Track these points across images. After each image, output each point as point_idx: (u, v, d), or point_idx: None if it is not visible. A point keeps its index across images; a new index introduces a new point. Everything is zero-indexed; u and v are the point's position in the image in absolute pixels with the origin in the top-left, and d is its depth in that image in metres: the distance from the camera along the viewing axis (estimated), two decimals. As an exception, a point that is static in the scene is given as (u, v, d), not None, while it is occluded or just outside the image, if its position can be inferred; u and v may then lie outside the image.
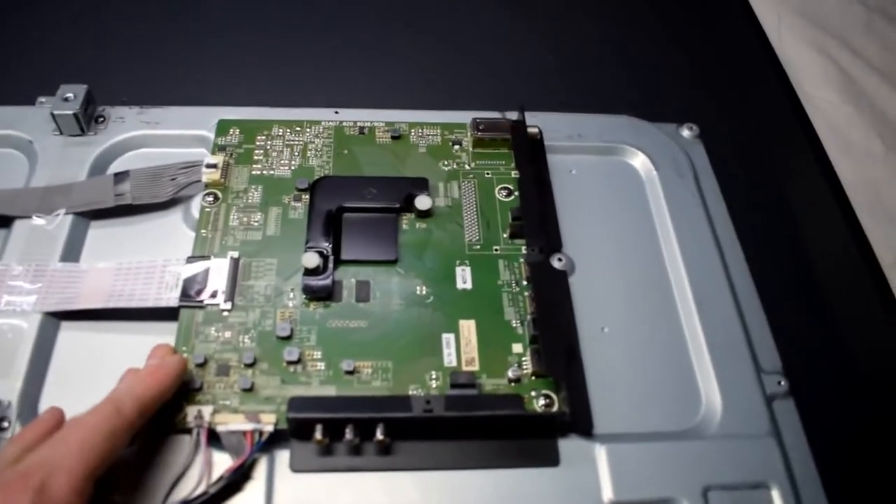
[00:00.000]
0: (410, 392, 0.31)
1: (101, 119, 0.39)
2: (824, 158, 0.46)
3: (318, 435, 0.29)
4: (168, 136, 0.39)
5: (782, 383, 0.34)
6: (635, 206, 0.40)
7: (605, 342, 0.35)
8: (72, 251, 0.35)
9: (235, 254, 0.34)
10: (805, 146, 0.47)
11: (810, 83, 0.49)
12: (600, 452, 0.31)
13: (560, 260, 0.36)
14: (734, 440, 0.32)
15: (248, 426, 0.29)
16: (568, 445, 0.31)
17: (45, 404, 0.31)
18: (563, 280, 0.35)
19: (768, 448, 0.32)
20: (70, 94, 0.37)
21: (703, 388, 0.34)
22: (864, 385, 0.38)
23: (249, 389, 0.30)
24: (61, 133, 0.38)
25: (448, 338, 0.32)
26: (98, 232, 0.36)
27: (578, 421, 0.32)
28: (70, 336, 0.33)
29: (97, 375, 0.31)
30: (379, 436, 0.29)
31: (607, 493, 0.30)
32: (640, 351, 0.35)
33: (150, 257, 0.34)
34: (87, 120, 0.38)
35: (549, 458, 0.31)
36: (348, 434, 0.29)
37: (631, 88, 0.48)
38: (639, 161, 0.41)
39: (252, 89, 0.41)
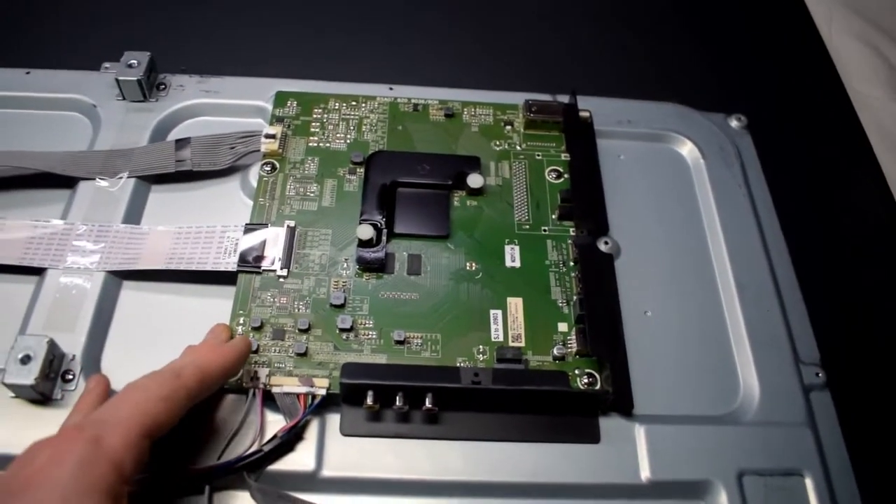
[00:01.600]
0: (458, 364, 0.32)
1: (163, 86, 0.40)
2: (870, 154, 0.46)
3: (369, 400, 0.30)
4: (227, 105, 0.40)
5: (820, 375, 0.35)
6: (681, 193, 0.40)
7: (647, 325, 0.35)
8: (133, 214, 0.36)
9: (292, 223, 0.35)
10: (852, 142, 0.47)
11: (859, 79, 0.49)
12: (639, 432, 0.32)
13: (606, 243, 0.37)
14: (770, 427, 0.33)
15: (302, 389, 0.31)
16: (608, 424, 0.32)
17: (107, 358, 0.32)
18: (609, 263, 0.36)
19: (804, 437, 0.33)
20: (134, 61, 0.38)
21: (741, 374, 0.35)
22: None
23: (303, 354, 0.31)
24: (124, 98, 0.39)
25: (496, 314, 0.33)
26: (159, 196, 0.37)
27: (619, 400, 0.32)
28: (131, 295, 0.34)
29: (156, 333, 0.33)
30: (428, 404, 0.30)
31: (645, 471, 0.31)
32: (682, 335, 0.35)
33: (209, 223, 0.35)
34: (150, 87, 0.39)
35: (591, 435, 0.32)
36: (398, 401, 0.30)
37: (682, 77, 0.48)
38: (686, 149, 0.41)
39: (309, 63, 0.42)
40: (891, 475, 0.34)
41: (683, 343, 0.35)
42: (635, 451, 0.32)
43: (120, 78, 0.38)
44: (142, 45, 0.39)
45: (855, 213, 0.44)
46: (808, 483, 0.32)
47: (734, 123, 0.43)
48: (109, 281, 0.34)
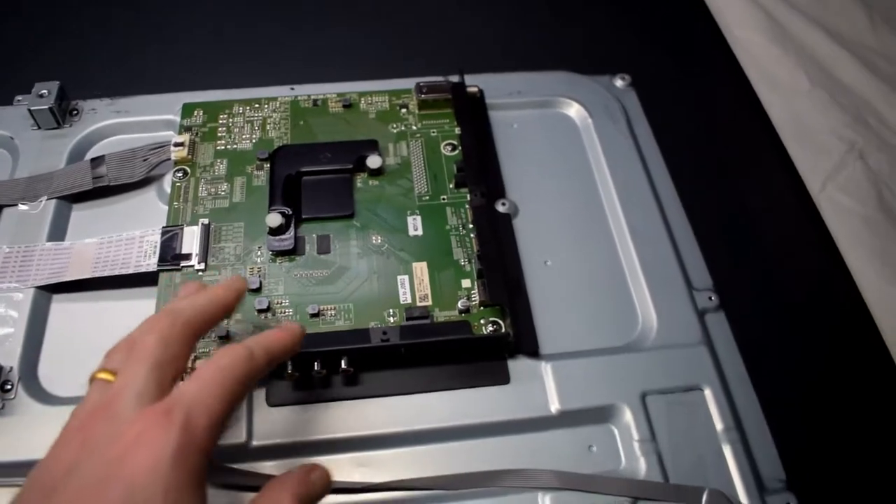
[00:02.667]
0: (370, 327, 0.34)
1: (76, 112, 0.42)
2: (753, 97, 0.49)
3: (289, 369, 0.32)
4: (138, 122, 0.42)
5: (713, 298, 0.38)
6: (573, 152, 0.43)
7: (548, 274, 0.38)
8: (57, 232, 0.38)
9: (206, 220, 0.37)
10: (735, 87, 0.50)
11: (739, 26, 0.53)
12: (546, 369, 0.35)
13: (504, 204, 0.39)
14: (668, 350, 0.36)
15: (226, 368, 0.33)
16: (517, 365, 0.35)
17: (43, 366, 0.34)
18: (506, 222, 0.39)
19: (700, 355, 0.36)
20: (44, 91, 0.40)
21: (639, 307, 0.37)
22: (797, 308, 0.41)
23: (225, 337, 0.34)
24: (39, 127, 0.41)
25: (403, 279, 0.36)
26: (80, 213, 0.39)
27: (525, 342, 0.35)
28: (61, 307, 0.36)
29: (88, 339, 0.35)
30: (343, 366, 0.33)
31: (554, 404, 0.34)
32: (581, 279, 0.38)
33: (130, 232, 0.37)
34: (62, 113, 0.41)
35: (500, 377, 0.34)
36: (316, 367, 0.32)
37: (566, 46, 0.51)
38: (574, 111, 0.44)
39: (213, 73, 0.44)
40: (785, 382, 0.37)
41: (583, 286, 0.38)
42: (544, 386, 0.34)
43: (32, 108, 0.40)
44: (52, 76, 0.41)
45: (743, 152, 0.47)
46: (708, 395, 0.35)
47: (619, 83, 0.46)
48: (39, 296, 0.36)
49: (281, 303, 0.35)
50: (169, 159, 0.39)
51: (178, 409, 0.23)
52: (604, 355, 0.35)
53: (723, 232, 0.42)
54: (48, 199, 0.39)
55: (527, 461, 0.33)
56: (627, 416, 0.34)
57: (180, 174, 0.39)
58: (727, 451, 0.33)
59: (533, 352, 0.35)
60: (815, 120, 0.48)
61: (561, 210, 0.40)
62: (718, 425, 0.34)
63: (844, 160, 0.47)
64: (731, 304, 0.38)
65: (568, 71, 0.46)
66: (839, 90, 0.50)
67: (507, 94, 0.44)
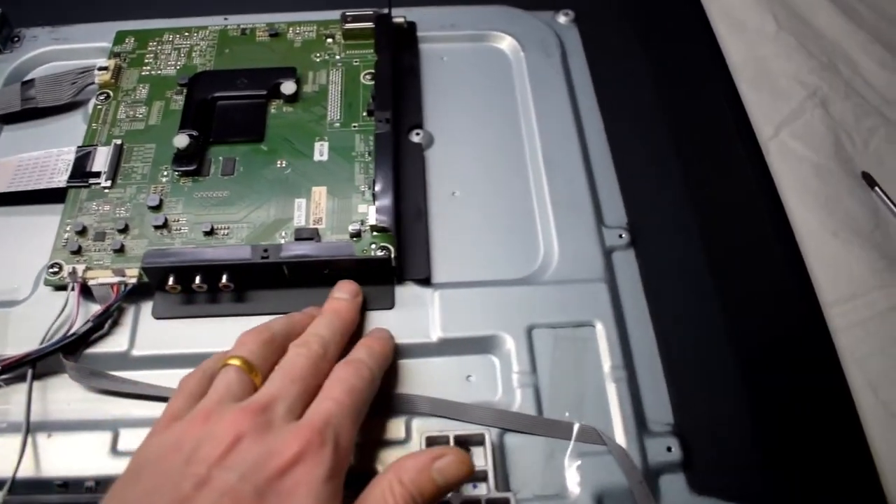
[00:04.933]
0: (261, 248, 0.34)
1: (17, 39, 0.43)
2: (711, 40, 0.47)
3: (170, 282, 0.33)
4: (75, 49, 0.43)
5: (623, 236, 0.36)
6: (500, 85, 0.42)
7: (454, 204, 0.37)
8: (-16, 151, 0.40)
9: (118, 141, 0.38)
10: (691, 28, 0.47)
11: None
12: (434, 297, 0.34)
13: (418, 134, 0.39)
14: (565, 285, 0.35)
15: (114, 279, 0.33)
16: (405, 292, 0.35)
17: (-44, 274, 0.36)
18: (417, 151, 0.38)
19: (597, 292, 0.34)
20: (-15, 17, 0.42)
21: (542, 241, 0.36)
22: (725, 253, 0.39)
23: (119, 250, 0.34)
24: (-20, 52, 0.43)
25: (300, 202, 0.36)
26: (10, 134, 0.41)
27: (415, 269, 0.35)
28: (-20, 219, 0.38)
29: (3, 251, 0.36)
30: (224, 281, 0.33)
31: (436, 331, 0.33)
32: (487, 211, 0.37)
33: (48, 150, 0.38)
34: (3, 40, 0.43)
35: (385, 302, 0.34)
36: (197, 280, 0.33)
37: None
38: (507, 44, 0.43)
39: (156, 3, 0.45)
40: (698, 329, 0.35)
41: (488, 218, 0.37)
42: (428, 314, 0.34)
43: (-28, 32, 0.42)
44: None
45: (693, 91, 0.45)
46: (599, 331, 0.33)
47: (562, 19, 0.44)
48: (-41, 210, 0.37)
49: (178, 220, 0.35)
50: (93, 83, 0.40)
51: (329, 430, 0.25)
52: (497, 286, 0.35)
53: (654, 173, 0.40)
54: (-21, 120, 0.40)
55: (402, 387, 0.32)
56: (510, 347, 0.33)
57: (102, 97, 0.40)
58: (611, 390, 0.32)
59: (423, 279, 0.35)
60: (777, 64, 0.46)
61: (478, 143, 0.39)
62: (605, 363, 0.33)
63: (803, 106, 0.44)
64: (652, 246, 0.37)
65: (509, 6, 0.44)
66: (810, 35, 0.47)
67: (440, 27, 0.43)
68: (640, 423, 0.31)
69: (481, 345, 0.33)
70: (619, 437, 0.31)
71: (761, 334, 0.35)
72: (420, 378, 0.33)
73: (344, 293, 0.33)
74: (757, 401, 0.33)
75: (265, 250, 0.33)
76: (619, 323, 0.34)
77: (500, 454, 0.30)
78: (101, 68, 0.40)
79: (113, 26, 0.43)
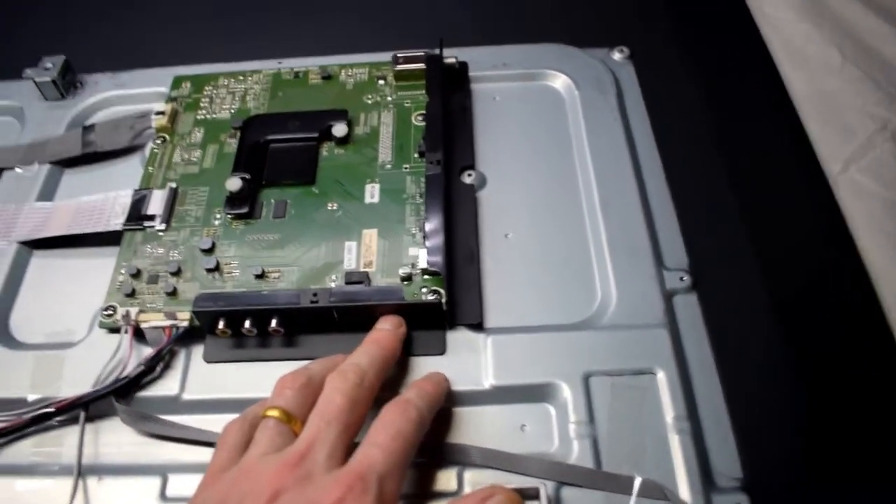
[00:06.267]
0: (311, 291, 0.34)
1: (80, 84, 0.45)
2: (774, 76, 0.45)
3: (220, 326, 0.33)
4: (135, 94, 0.44)
5: (685, 279, 0.35)
6: (554, 125, 0.41)
7: (507, 246, 0.36)
8: (46, 194, 0.40)
9: (174, 184, 0.38)
10: (753, 64, 0.46)
11: (769, 3, 0.49)
12: (487, 342, 0.33)
13: (470, 175, 0.38)
14: (624, 331, 0.33)
15: (166, 322, 0.33)
16: (456, 337, 0.34)
17: (15, 316, 0.37)
18: (469, 193, 0.38)
19: (658, 337, 0.33)
20: (49, 64, 0.43)
21: (599, 284, 0.35)
22: (793, 298, 0.37)
23: (172, 293, 0.34)
24: (45, 98, 0.44)
25: (350, 245, 0.35)
26: (71, 178, 0.41)
27: (467, 313, 0.34)
28: (40, 262, 0.38)
29: (60, 293, 0.37)
30: (273, 325, 0.32)
31: (489, 378, 0.32)
32: (541, 254, 0.36)
33: (105, 193, 0.39)
34: (66, 86, 0.44)
35: (435, 347, 0.33)
36: (247, 325, 0.32)
37: (569, 18, 0.49)
38: (561, 83, 0.42)
39: (214, 48, 0.46)
40: (768, 378, 0.33)
41: (542, 261, 0.36)
42: (481, 360, 0.33)
43: (36, 80, 0.43)
44: (62, 49, 0.44)
45: (752, 132, 0.43)
46: (660, 379, 0.32)
47: (616, 56, 0.44)
48: (21, 251, 0.38)
49: (230, 264, 0.35)
50: (151, 128, 0.41)
51: (371, 477, 0.24)
52: (552, 332, 0.33)
53: (719, 214, 0.39)
54: (42, 164, 0.41)
55: (454, 436, 0.31)
56: (566, 395, 0.32)
57: (159, 141, 0.40)
58: (673, 442, 0.30)
59: (476, 324, 0.34)
60: (844, 98, 0.44)
61: (531, 183, 0.39)
62: (668, 413, 0.31)
63: (872, 140, 0.42)
64: (716, 289, 0.35)
65: (563, 44, 0.44)
66: (877, 66, 0.45)
67: (492, 66, 0.43)
68: (705, 478, 0.30)
69: (536, 393, 0.32)
70: (684, 493, 0.29)
71: (835, 383, 0.33)
72: (472, 427, 0.31)
73: (386, 324, 0.32)
74: (832, 455, 0.31)
75: (314, 294, 0.33)
76: (681, 370, 0.32)
77: (556, 510, 0.29)
78: (157, 112, 0.41)
79: (172, 71, 0.44)
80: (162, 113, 0.41)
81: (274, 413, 0.27)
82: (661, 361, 0.32)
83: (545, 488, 0.29)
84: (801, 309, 0.35)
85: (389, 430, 0.27)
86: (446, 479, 0.30)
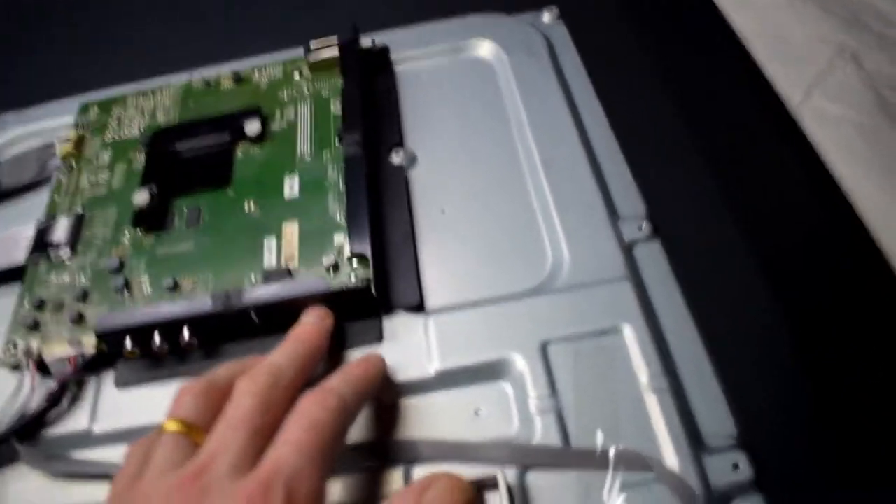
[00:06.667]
0: (228, 296, 0.30)
1: (-18, 124, 0.42)
2: (720, 17, 0.42)
3: (128, 346, 0.29)
4: (45, 128, 0.41)
5: (643, 227, 0.31)
6: (486, 94, 0.38)
7: (444, 222, 0.33)
8: (-48, 241, 0.37)
9: (79, 209, 0.35)
10: (698, 11, 0.43)
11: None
12: (429, 324, 0.29)
13: (398, 154, 0.35)
14: (581, 290, 0.29)
15: (72, 351, 0.30)
16: (394, 323, 0.30)
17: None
18: (398, 173, 0.34)
19: (621, 291, 0.29)
20: (-51, 110, 0.41)
21: (549, 246, 0.31)
22: (770, 233, 0.33)
23: (78, 321, 0.31)
24: (-49, 147, 0.41)
25: (270, 242, 0.32)
26: (-19, 222, 0.38)
27: (404, 296, 0.30)
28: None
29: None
30: (185, 338, 0.29)
31: (433, 363, 0.28)
32: (482, 225, 0.32)
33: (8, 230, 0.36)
34: (-28, 131, 0.41)
35: (371, 336, 0.29)
36: (156, 340, 0.29)
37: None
38: (488, 51, 0.39)
39: (116, 70, 0.43)
40: (738, 316, 0.29)
41: (483, 232, 0.32)
42: (423, 344, 0.29)
43: (-64, 128, 0.40)
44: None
45: (708, 76, 0.40)
46: (628, 336, 0.28)
47: (546, 17, 0.41)
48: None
49: (139, 281, 0.32)
50: (55, 156, 0.38)
51: (277, 482, 0.20)
52: (502, 303, 0.30)
53: (676, 159, 0.35)
54: (-54, 209, 0.38)
55: (400, 431, 0.27)
56: (521, 368, 0.27)
57: (66, 168, 0.37)
58: (651, 403, 0.26)
59: (415, 306, 0.30)
60: (797, 29, 0.41)
61: (466, 156, 0.35)
62: (642, 373, 0.27)
63: (833, 64, 0.39)
64: (683, 236, 0.31)
65: (486, 12, 0.41)
66: (828, -3, 0.42)
67: (415, 45, 0.40)
68: (694, 440, 0.25)
69: (488, 372, 0.28)
70: (670, 460, 0.25)
71: (824, 314, 0.29)
72: (420, 419, 0.27)
73: (309, 318, 0.28)
74: (832, 399, 0.27)
75: (227, 296, 0.29)
76: (651, 324, 0.28)
77: (521, 498, 0.24)
78: (60, 140, 0.38)
79: (81, 99, 0.41)
80: (66, 140, 0.38)
81: (172, 426, 0.23)
82: (627, 316, 0.28)
83: (503, 476, 0.24)
84: (779, 245, 0.32)
85: (303, 422, 0.23)
86: (393, 480, 0.26)
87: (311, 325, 0.28)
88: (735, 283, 0.31)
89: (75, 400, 0.30)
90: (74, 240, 0.34)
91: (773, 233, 0.32)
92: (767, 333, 0.29)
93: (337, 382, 0.24)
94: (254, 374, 0.24)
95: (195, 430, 0.23)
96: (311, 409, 0.23)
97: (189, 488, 0.21)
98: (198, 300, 0.29)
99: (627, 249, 0.31)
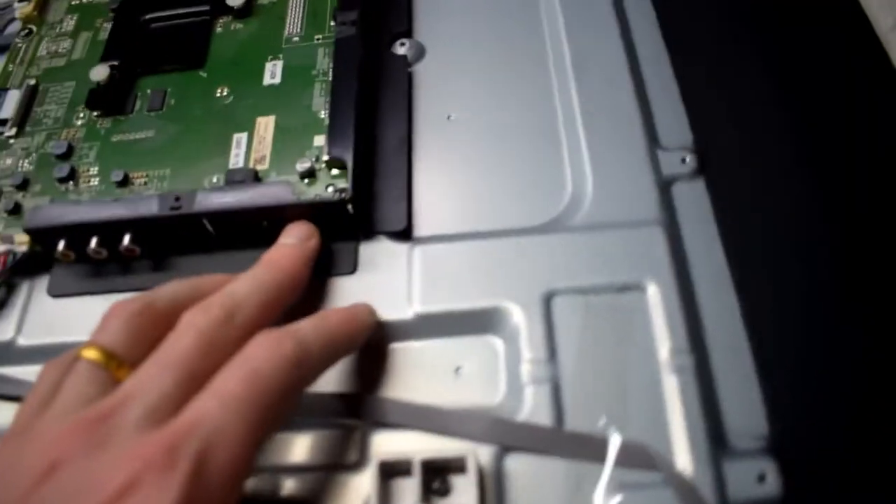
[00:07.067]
0: (183, 198, 0.26)
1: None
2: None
3: (60, 247, 0.25)
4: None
5: (687, 160, 0.25)
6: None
7: (450, 130, 0.27)
8: None
9: (32, 81, 0.30)
10: None
11: None
12: (414, 256, 0.24)
13: (403, 44, 0.29)
14: (603, 232, 0.24)
15: (2, 247, 0.26)
16: (373, 249, 0.25)
17: None
18: (399, 65, 0.28)
19: (650, 238, 0.23)
20: None
21: (570, 173, 0.25)
22: (835, 189, 0.26)
23: (13, 211, 0.27)
24: None
25: (240, 137, 0.27)
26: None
27: (388, 219, 0.25)
28: None
29: None
30: (126, 243, 0.24)
31: (413, 304, 0.23)
32: (493, 138, 0.27)
33: (-45, 99, 0.31)
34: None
35: (343, 264, 0.24)
36: (93, 244, 0.24)
37: None
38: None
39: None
40: (789, 288, 0.24)
41: (496, 146, 0.27)
42: (405, 279, 0.24)
43: None
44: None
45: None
46: (652, 296, 0.23)
47: None
48: None
49: (88, 171, 0.27)
50: (14, 19, 0.33)
51: (189, 444, 0.16)
52: (503, 238, 0.24)
53: (734, 81, 0.29)
54: None
55: (360, 384, 0.23)
56: (518, 322, 0.22)
57: (24, 33, 0.32)
58: (669, 385, 0.21)
59: (400, 232, 0.25)
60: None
61: (483, 51, 0.29)
62: (662, 344, 0.22)
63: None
64: (729, 173, 0.25)
65: None
66: None
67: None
68: (715, 438, 0.20)
69: (477, 321, 0.23)
70: (682, 459, 0.20)
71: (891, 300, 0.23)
72: (388, 371, 0.23)
73: (290, 237, 0.23)
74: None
75: (176, 199, 0.24)
76: (682, 285, 0.23)
77: (495, 485, 0.20)
78: (21, 0, 0.33)
79: (50, -48, 0.36)
80: (27, 0, 0.33)
81: (90, 354, 0.19)
82: (655, 272, 0.23)
83: (474, 457, 0.20)
84: (847, 196, 0.25)
85: (243, 369, 0.18)
86: (343, 447, 0.21)
87: (289, 247, 0.23)
88: (794, 250, 0.24)
89: (2, 306, 0.26)
90: (23, 117, 0.29)
91: (853, 192, 0.26)
92: (822, 317, 0.23)
93: (306, 327, 0.20)
94: (207, 305, 0.20)
95: (117, 363, 0.19)
96: (258, 354, 0.18)
97: (86, 434, 0.17)
98: (144, 201, 0.24)
99: (664, 186, 0.25)
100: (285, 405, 0.19)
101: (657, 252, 0.23)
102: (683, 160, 0.25)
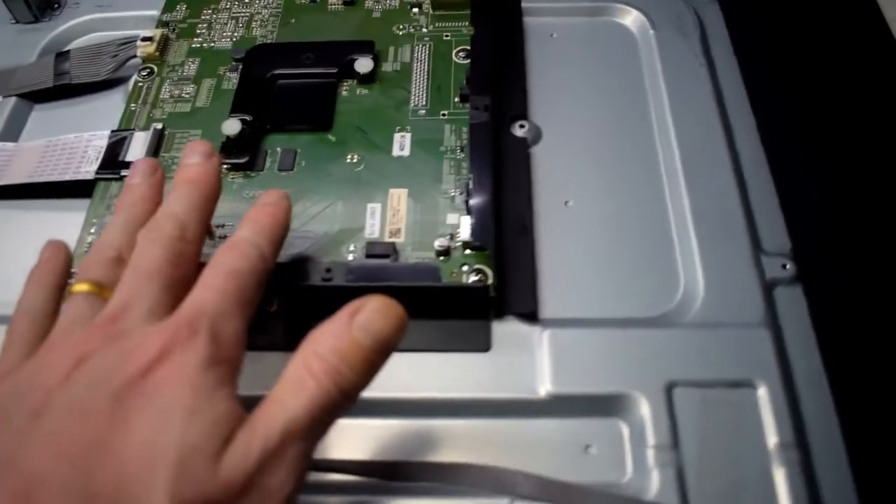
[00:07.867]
0: (324, 266, 0.27)
1: (56, 6, 0.38)
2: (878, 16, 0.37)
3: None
4: (121, 17, 0.37)
5: (788, 267, 0.28)
6: (624, 70, 0.33)
7: (568, 216, 0.29)
8: (10, 132, 0.34)
9: (159, 125, 0.31)
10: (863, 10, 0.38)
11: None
12: (543, 338, 0.26)
13: (522, 126, 0.31)
14: (716, 330, 0.26)
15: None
16: (504, 329, 0.27)
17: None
18: (521, 148, 0.31)
19: (760, 341, 0.26)
20: (21, -19, 0.36)
21: (682, 269, 0.28)
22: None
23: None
24: (16, 21, 0.37)
25: (374, 208, 0.28)
26: (41, 114, 0.35)
27: (518, 301, 0.27)
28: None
29: (16, 250, 0.30)
30: (274, 307, 0.26)
31: (545, 384, 0.25)
32: (609, 227, 0.29)
33: (78, 134, 0.32)
34: (41, 7, 0.37)
35: (478, 342, 0.26)
36: (242, 304, 0.26)
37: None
38: (632, 20, 0.35)
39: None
40: (876, 380, 0.27)
41: (612, 236, 0.29)
42: (535, 360, 0.26)
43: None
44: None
45: (857, 77, 0.35)
46: (762, 395, 0.25)
47: (699, -10, 0.36)
48: (-25, 199, 0.31)
49: (223, 225, 0.28)
50: (136, 56, 0.34)
51: (202, 319, 0.20)
52: (625, 328, 0.27)
53: (821, 184, 0.32)
54: (8, 97, 0.34)
55: (500, 455, 0.25)
56: (644, 411, 0.25)
57: (145, 73, 0.33)
58: (779, 476, 0.24)
59: (529, 314, 0.27)
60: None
61: (596, 139, 0.31)
62: (772, 439, 0.24)
63: None
64: (815, 277, 0.28)
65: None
66: None
67: (550, -2, 0.36)
68: (820, 527, 0.23)
69: (606, 405, 0.25)
70: (794, 547, 0.23)
71: None
72: (521, 447, 0.25)
73: (195, 156, 0.25)
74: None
75: (327, 270, 0.26)
76: (786, 384, 0.25)
77: (631, 562, 0.22)
78: (144, 39, 0.34)
79: (163, -9, 0.37)
80: (150, 39, 0.34)
81: (82, 287, 0.22)
82: (763, 371, 0.25)
83: (617, 534, 0.22)
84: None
85: (222, 269, 0.21)
86: (485, 513, 0.23)
87: (199, 165, 0.24)
88: (875, 345, 0.28)
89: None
90: (151, 161, 0.30)
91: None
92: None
93: (248, 233, 0.23)
94: (155, 225, 0.23)
95: (106, 290, 0.22)
96: (228, 258, 0.22)
97: (103, 333, 0.19)
98: (296, 269, 0.26)
99: (768, 290, 0.27)
100: (257, 298, 0.22)
101: (764, 353, 0.26)
102: (784, 266, 0.28)
